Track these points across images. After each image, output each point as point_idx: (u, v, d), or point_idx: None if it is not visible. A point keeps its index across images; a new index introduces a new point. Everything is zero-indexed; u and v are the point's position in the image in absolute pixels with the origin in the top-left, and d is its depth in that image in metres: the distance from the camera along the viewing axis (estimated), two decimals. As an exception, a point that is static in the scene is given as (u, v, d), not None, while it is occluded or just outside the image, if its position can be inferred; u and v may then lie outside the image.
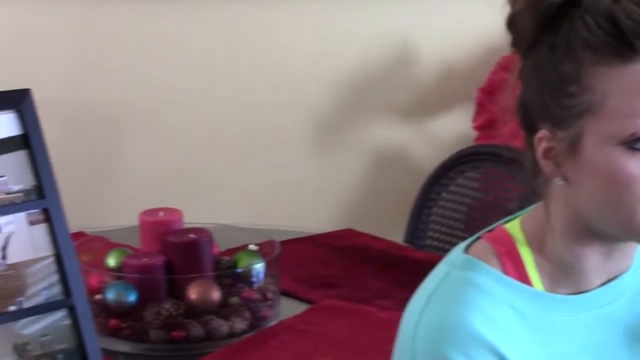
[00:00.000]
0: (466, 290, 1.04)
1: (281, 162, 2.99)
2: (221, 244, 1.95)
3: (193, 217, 1.96)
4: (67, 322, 1.42)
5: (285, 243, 1.98)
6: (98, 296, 1.76)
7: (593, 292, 1.07)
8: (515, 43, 1.04)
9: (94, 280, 1.80)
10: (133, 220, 1.93)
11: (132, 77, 2.92)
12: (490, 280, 1.05)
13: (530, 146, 1.04)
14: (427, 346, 1.03)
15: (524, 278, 1.06)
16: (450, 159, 2.37)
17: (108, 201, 2.99)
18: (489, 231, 1.12)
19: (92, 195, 2.97)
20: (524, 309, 1.05)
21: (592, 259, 1.06)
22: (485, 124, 2.71)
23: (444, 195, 2.37)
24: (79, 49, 2.92)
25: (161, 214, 1.89)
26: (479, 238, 1.11)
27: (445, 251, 2.35)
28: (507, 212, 2.21)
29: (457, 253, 1.10)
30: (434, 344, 1.02)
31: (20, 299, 1.38)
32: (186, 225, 1.89)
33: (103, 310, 1.74)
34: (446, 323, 1.02)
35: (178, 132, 2.96)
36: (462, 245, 1.11)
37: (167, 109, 2.95)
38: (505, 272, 1.06)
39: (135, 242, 1.92)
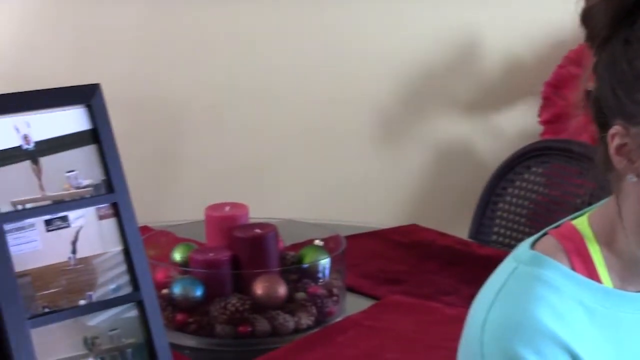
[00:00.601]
0: (535, 286, 1.03)
1: (345, 157, 2.99)
2: (286, 239, 1.95)
3: (258, 212, 1.97)
4: (136, 316, 1.42)
5: (349, 238, 1.97)
6: (165, 290, 1.76)
7: (663, 290, 1.06)
8: (589, 38, 1.02)
9: (160, 275, 1.80)
10: (198, 215, 1.93)
11: (198, 73, 2.94)
12: (559, 276, 1.03)
13: (603, 142, 1.03)
14: (496, 343, 1.02)
15: (592, 275, 1.05)
16: (518, 153, 2.34)
17: (173, 196, 3.01)
18: (556, 227, 1.10)
19: (158, 189, 2.99)
20: (593, 306, 1.03)
21: (664, 256, 1.04)
22: (551, 119, 2.68)
23: (510, 190, 2.35)
24: (146, 45, 2.94)
25: (227, 208, 1.89)
26: (545, 234, 1.10)
27: (511, 247, 2.33)
28: (574, 207, 2.18)
29: (523, 249, 1.09)
30: (503, 340, 1.01)
31: (89, 293, 1.39)
32: (252, 220, 1.89)
33: (169, 304, 1.75)
34: (515, 319, 1.01)
35: (243, 127, 2.97)
36: (529, 241, 1.10)
37: (232, 105, 2.96)
38: (574, 268, 1.05)
39: (201, 236, 1.93)
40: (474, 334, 1.05)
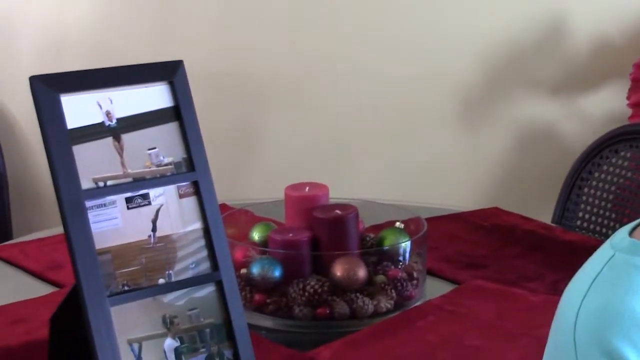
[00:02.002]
0: (633, 276, 0.98)
1: (427, 138, 2.95)
2: (366, 221, 1.92)
3: (338, 192, 1.94)
4: (214, 296, 1.41)
5: (429, 220, 1.93)
6: (243, 270, 1.75)
7: None
8: None
9: (238, 255, 1.79)
10: (278, 194, 1.91)
11: (280, 50, 2.92)
12: (660, 266, 0.99)
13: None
14: (590, 333, 0.98)
15: (694, 266, 1.00)
16: (606, 136, 2.28)
17: (253, 174, 3.00)
18: (656, 214, 1.06)
19: (237, 167, 2.99)
20: (694, 299, 0.98)
21: None
22: (640, 102, 2.61)
23: (596, 174, 2.29)
24: (228, 21, 2.93)
25: (307, 188, 1.86)
26: (645, 221, 1.05)
27: (596, 233, 2.27)
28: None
29: (621, 235, 1.04)
30: (597, 330, 0.97)
31: (169, 272, 1.38)
32: (332, 201, 1.86)
33: (248, 284, 1.73)
34: (611, 309, 0.97)
35: (324, 106, 2.95)
36: (627, 227, 1.05)
37: (313, 82, 2.94)
38: (673, 258, 1.00)
39: (280, 216, 1.91)
40: (566, 323, 1.01)
